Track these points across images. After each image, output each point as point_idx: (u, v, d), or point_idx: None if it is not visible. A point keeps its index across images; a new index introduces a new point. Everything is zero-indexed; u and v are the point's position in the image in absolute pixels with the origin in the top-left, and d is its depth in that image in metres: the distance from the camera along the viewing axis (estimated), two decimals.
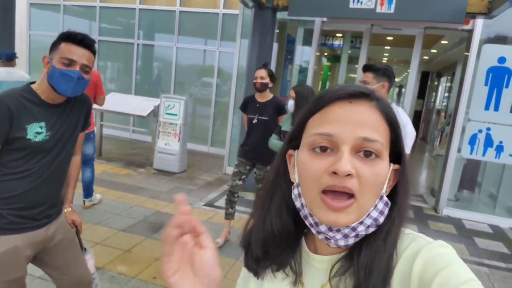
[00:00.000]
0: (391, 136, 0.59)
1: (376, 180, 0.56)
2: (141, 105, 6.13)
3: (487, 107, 4.32)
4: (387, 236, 0.58)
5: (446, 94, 10.42)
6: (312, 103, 0.62)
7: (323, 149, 0.57)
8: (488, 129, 4.32)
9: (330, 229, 0.57)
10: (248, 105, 3.51)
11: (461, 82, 4.91)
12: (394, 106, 2.52)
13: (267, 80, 3.34)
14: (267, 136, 3.29)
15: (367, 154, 0.56)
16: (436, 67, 11.83)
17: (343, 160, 0.54)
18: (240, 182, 3.49)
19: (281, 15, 5.14)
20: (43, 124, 1.55)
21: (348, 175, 0.53)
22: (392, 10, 4.34)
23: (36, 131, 1.53)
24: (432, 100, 12.06)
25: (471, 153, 4.40)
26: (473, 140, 4.37)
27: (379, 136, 0.56)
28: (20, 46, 8.38)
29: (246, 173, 3.50)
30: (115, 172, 5.53)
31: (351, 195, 0.55)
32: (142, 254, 3.24)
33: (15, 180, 1.54)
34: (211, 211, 4.33)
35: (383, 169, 0.57)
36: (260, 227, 0.66)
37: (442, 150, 5.63)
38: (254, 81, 3.37)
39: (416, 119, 12.55)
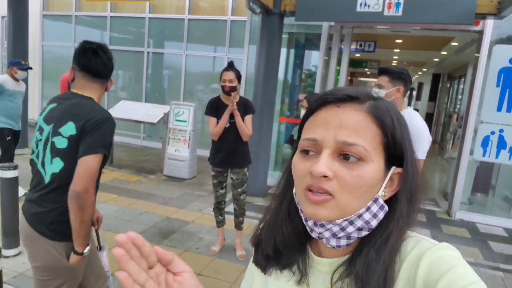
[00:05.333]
0: (383, 139, 0.58)
1: (358, 182, 0.56)
2: (151, 112, 6.21)
3: (499, 109, 4.24)
4: (382, 246, 0.57)
5: (455, 96, 10.27)
6: (309, 107, 0.64)
7: (310, 152, 0.60)
8: (501, 130, 4.23)
9: (315, 223, 0.59)
10: (219, 109, 3.19)
11: (472, 83, 4.84)
12: (409, 110, 2.40)
13: (235, 83, 3.12)
14: (240, 138, 3.19)
15: (347, 157, 0.56)
16: (447, 69, 11.69)
17: (318, 163, 0.56)
18: (223, 191, 3.46)
19: (288, 21, 5.15)
20: None
21: (325, 176, 0.55)
22: (400, 13, 4.31)
23: None
24: (446, 102, 11.89)
25: (483, 155, 4.32)
26: (485, 142, 4.29)
27: (361, 139, 0.56)
28: (33, 56, 8.58)
29: (225, 180, 3.43)
30: (126, 179, 5.59)
31: (329, 193, 0.56)
32: None
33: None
34: None
35: (367, 171, 0.56)
36: (273, 226, 0.68)
37: (454, 153, 5.54)
38: (223, 84, 3.12)
39: (428, 121, 12.41)
